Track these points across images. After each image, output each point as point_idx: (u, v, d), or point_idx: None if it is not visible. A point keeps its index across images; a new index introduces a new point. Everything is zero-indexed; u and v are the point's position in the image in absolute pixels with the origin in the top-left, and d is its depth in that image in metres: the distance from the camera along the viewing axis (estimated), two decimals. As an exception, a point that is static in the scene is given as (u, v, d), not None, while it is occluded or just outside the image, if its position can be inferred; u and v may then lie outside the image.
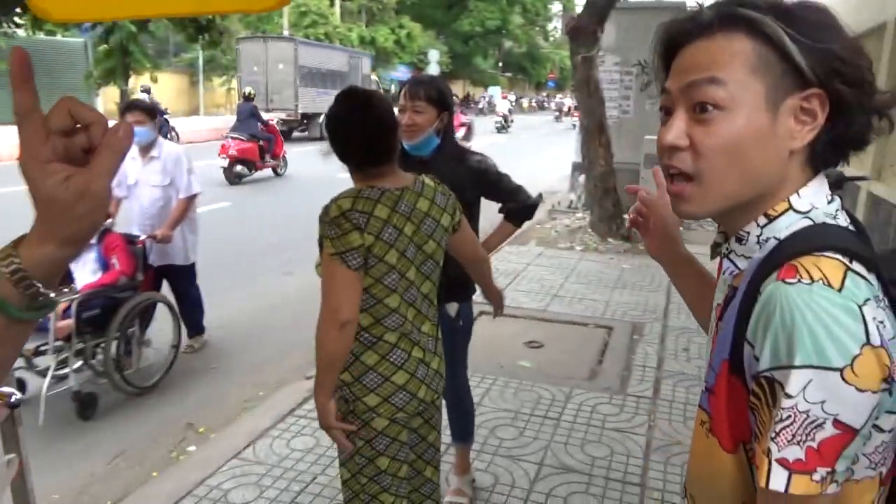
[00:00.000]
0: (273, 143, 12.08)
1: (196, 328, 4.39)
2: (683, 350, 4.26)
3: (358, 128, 1.75)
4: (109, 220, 3.75)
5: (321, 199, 1.82)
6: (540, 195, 2.74)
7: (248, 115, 11.83)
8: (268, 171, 12.20)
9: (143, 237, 3.86)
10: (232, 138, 11.15)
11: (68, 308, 3.23)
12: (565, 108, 34.69)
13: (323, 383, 1.76)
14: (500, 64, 51.58)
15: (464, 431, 2.71)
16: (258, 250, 6.91)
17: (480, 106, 37.95)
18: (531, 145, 19.94)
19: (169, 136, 15.61)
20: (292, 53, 20.32)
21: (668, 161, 0.80)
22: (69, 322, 3.23)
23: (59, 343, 3.23)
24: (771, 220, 0.78)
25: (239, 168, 11.08)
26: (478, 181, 2.37)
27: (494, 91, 42.10)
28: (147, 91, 17.72)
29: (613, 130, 7.75)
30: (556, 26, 64.20)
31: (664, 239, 1.12)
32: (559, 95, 47.47)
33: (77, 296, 3.24)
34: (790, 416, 0.66)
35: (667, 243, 1.13)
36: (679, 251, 1.13)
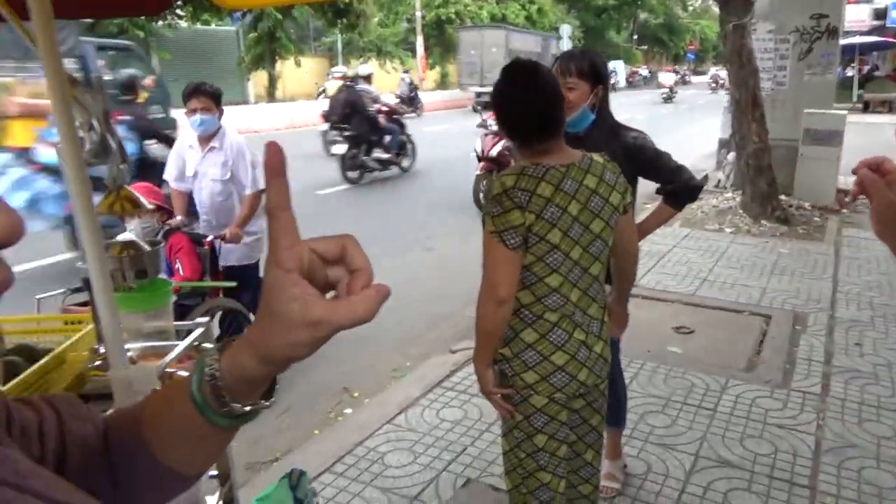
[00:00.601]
0: None
1: None
2: (855, 345, 3.87)
3: (524, 102, 1.71)
4: (178, 219, 3.48)
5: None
6: (705, 176, 2.58)
7: None
8: None
9: (210, 237, 3.43)
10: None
11: None
12: (720, 81, 32.89)
13: (481, 353, 1.80)
14: (635, 37, 49.12)
15: (616, 416, 2.65)
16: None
17: (612, 82, 36.50)
18: (670, 121, 18.93)
19: (418, 107, 20.21)
20: (504, 39, 24.38)
21: None
22: None
23: None
24: None
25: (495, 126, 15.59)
26: (633, 158, 2.24)
27: (616, 64, 40.37)
28: (367, 77, 20.37)
29: (767, 104, 7.13)
30: (696, -6, 60.09)
31: (887, 220, 0.94)
32: (713, 68, 44.60)
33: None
34: None
35: (891, 225, 0.94)
36: None
